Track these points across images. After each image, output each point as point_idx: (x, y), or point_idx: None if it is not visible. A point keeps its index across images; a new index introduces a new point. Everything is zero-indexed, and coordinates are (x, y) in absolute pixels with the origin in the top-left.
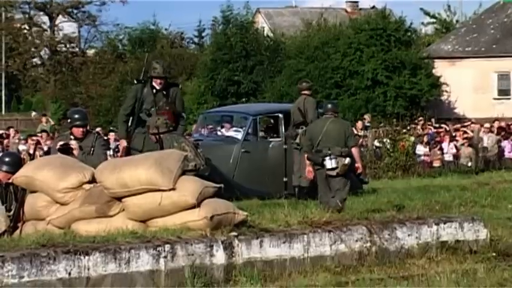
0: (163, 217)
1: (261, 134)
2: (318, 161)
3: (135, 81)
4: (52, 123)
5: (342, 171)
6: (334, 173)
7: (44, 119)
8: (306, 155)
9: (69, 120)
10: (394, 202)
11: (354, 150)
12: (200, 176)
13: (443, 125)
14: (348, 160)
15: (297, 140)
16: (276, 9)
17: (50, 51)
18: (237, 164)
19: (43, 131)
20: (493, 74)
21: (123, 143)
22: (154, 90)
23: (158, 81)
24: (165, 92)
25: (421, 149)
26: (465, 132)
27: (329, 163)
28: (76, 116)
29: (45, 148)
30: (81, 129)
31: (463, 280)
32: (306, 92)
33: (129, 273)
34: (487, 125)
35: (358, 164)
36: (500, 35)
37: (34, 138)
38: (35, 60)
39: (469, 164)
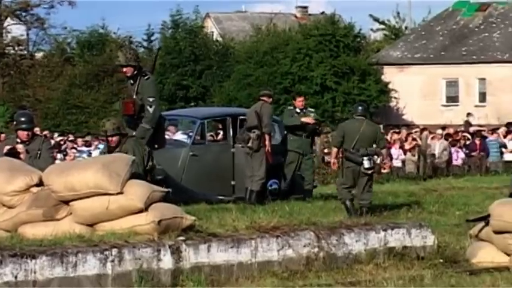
0: (110, 221)
1: (209, 137)
2: (358, 161)
3: None
4: None
5: (376, 170)
6: (370, 172)
7: None
8: (334, 149)
9: (14, 123)
10: (341, 208)
11: (384, 151)
12: (154, 181)
13: (396, 130)
14: (379, 159)
15: (249, 144)
16: (226, 13)
17: None
18: (185, 168)
19: None
20: (442, 81)
21: None
22: (127, 80)
23: (123, 69)
24: (132, 82)
25: None
26: (414, 139)
27: (367, 163)
28: (21, 119)
29: None
30: (26, 132)
31: (410, 286)
32: (265, 98)
33: (76, 277)
34: (440, 131)
35: (388, 163)
36: (449, 41)
37: None
38: None
39: (415, 170)
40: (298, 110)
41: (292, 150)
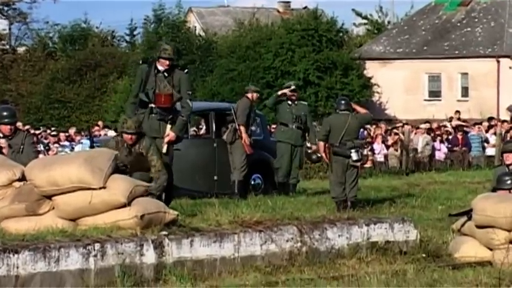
0: (93, 216)
1: (191, 132)
2: (346, 154)
3: (141, 62)
4: None
5: (364, 161)
6: (359, 164)
7: None
8: (321, 143)
9: None
10: (324, 202)
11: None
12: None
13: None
14: (366, 151)
15: (224, 136)
16: (208, 8)
17: None
18: None
19: None
20: (424, 76)
21: None
22: (156, 71)
23: (166, 62)
24: (166, 74)
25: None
26: (396, 133)
27: (355, 155)
28: (4, 113)
29: None
30: (8, 126)
31: (393, 281)
32: (247, 94)
33: (58, 271)
34: (423, 125)
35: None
36: (432, 36)
37: None
38: None
39: (398, 165)
40: (289, 102)
41: (282, 141)
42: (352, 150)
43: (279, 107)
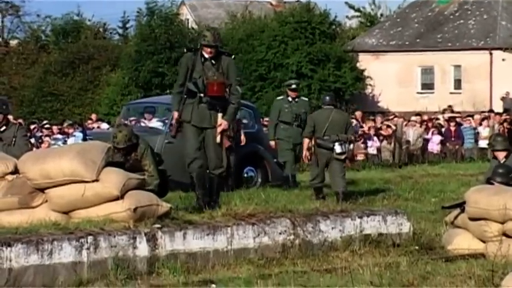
0: (86, 208)
1: None
2: (329, 146)
3: (185, 50)
4: None
5: (349, 155)
6: (343, 157)
7: None
8: (306, 140)
9: None
10: None
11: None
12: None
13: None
14: (351, 146)
15: None
16: (201, 1)
17: None
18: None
19: None
20: (417, 68)
21: (175, 115)
22: (203, 59)
23: (208, 49)
24: (214, 62)
25: None
26: (388, 126)
27: (339, 148)
28: None
29: None
30: (1, 115)
31: (386, 273)
32: None
33: (51, 264)
34: (414, 118)
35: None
36: (424, 29)
37: None
38: None
39: (391, 158)
40: (289, 99)
41: (282, 139)
42: (336, 143)
43: (279, 105)
